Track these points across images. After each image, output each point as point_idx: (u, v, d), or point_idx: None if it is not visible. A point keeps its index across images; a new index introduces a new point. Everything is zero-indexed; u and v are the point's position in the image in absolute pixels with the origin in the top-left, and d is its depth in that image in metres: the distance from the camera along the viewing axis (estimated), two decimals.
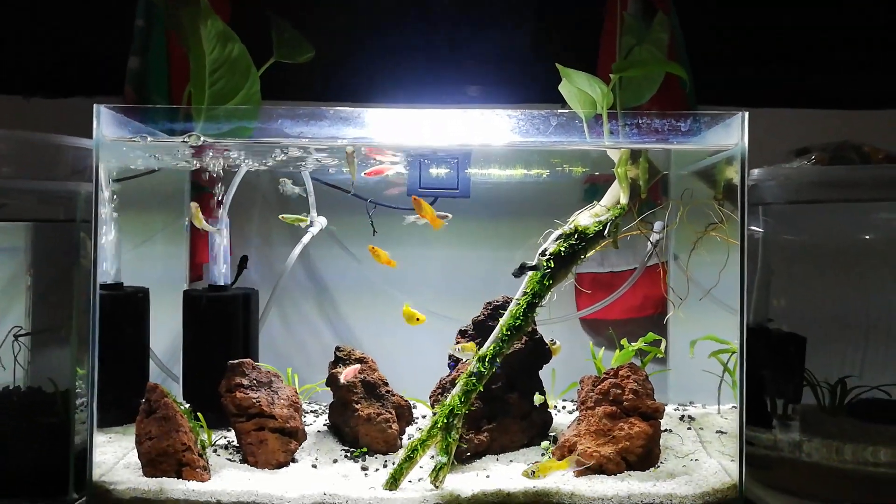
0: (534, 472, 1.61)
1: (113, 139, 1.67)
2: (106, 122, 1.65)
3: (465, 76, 2.51)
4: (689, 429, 1.97)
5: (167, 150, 1.91)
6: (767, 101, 2.43)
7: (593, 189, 2.25)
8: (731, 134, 1.64)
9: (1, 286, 1.95)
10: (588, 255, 1.79)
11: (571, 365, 2.08)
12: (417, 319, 1.81)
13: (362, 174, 1.95)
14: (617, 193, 1.85)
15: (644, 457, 1.68)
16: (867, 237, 1.85)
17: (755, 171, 1.85)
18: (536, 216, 1.88)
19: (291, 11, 2.19)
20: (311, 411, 2.11)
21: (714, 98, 2.34)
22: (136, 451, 1.66)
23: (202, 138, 1.72)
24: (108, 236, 1.96)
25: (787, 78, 2.48)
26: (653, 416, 1.71)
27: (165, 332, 2.15)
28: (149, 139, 1.74)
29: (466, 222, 2.35)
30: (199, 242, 2.27)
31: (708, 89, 2.33)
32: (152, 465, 1.61)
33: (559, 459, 1.71)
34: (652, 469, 1.68)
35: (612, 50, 2.21)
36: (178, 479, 1.60)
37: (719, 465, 1.70)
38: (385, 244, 2.08)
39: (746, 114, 1.61)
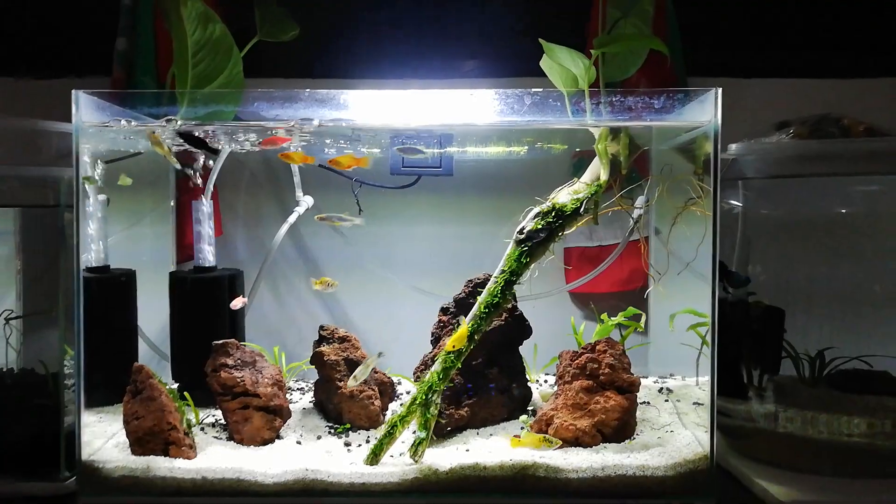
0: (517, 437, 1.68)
1: (92, 124, 1.68)
2: (87, 107, 1.66)
3: (455, 49, 2.50)
4: (666, 401, 2.00)
5: (142, 133, 1.92)
6: (760, 71, 2.41)
7: (581, 163, 2.25)
8: (706, 110, 1.64)
9: None
10: (567, 232, 1.80)
11: (557, 339, 2.10)
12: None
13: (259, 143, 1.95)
14: (597, 170, 1.85)
15: (619, 429, 1.72)
16: (844, 211, 1.86)
17: (734, 146, 1.85)
18: (521, 193, 1.89)
19: None
20: (298, 389, 2.16)
21: (706, 69, 2.32)
22: (124, 430, 1.71)
23: (179, 122, 1.73)
24: (94, 220, 1.99)
25: (780, 47, 2.46)
26: (628, 389, 1.74)
27: (156, 313, 2.18)
28: (133, 123, 1.76)
29: (451, 200, 2.38)
30: (187, 224, 2.29)
31: (700, 60, 2.31)
32: (139, 443, 1.66)
33: (536, 433, 1.75)
34: (627, 441, 1.72)
35: (600, 25, 2.20)
36: (164, 456, 1.64)
37: (693, 436, 1.74)
38: (372, 222, 2.10)
39: (720, 90, 1.61)
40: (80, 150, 1.65)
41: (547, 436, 1.69)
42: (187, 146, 1.87)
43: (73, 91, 1.64)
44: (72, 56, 2.46)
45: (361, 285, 2.40)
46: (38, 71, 2.48)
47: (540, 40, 1.74)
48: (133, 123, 1.74)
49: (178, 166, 1.99)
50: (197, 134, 1.84)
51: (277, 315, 2.43)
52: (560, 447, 1.68)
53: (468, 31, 2.51)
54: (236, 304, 2.00)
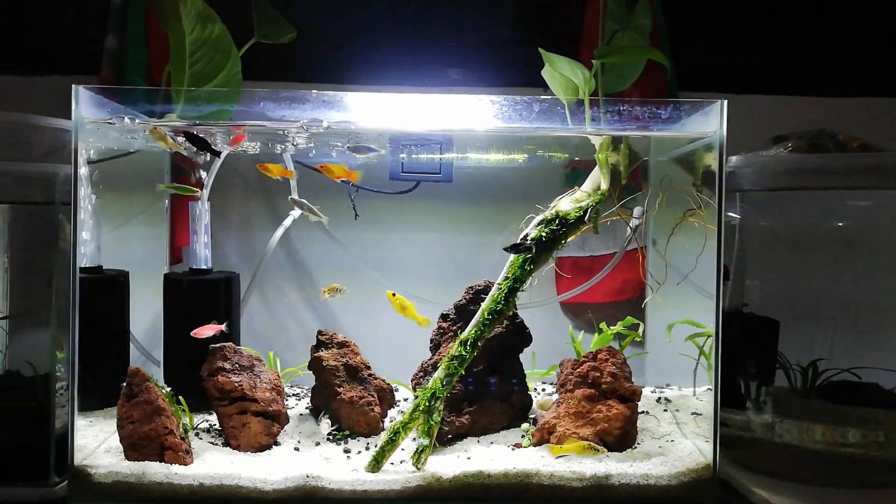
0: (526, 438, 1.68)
1: (91, 121, 1.64)
2: (84, 104, 1.63)
3: (448, 59, 2.51)
4: (665, 411, 2.01)
5: (139, 131, 1.89)
6: (746, 87, 2.46)
7: (574, 174, 2.27)
8: (711, 122, 1.66)
9: None
10: (569, 239, 1.81)
11: (551, 348, 2.11)
12: (404, 308, 1.82)
13: (227, 142, 1.93)
14: (598, 179, 1.86)
15: (621, 438, 1.72)
16: (841, 224, 1.89)
17: (733, 159, 1.88)
18: (518, 200, 1.89)
19: None
20: (294, 395, 2.12)
21: (693, 83, 2.36)
22: (117, 435, 1.66)
23: (185, 123, 1.70)
24: (87, 219, 1.94)
25: (766, 65, 2.51)
26: (630, 398, 1.75)
27: (145, 315, 2.14)
28: (136, 121, 1.72)
29: (449, 206, 2.37)
30: (178, 226, 2.25)
31: (687, 74, 2.35)
32: (134, 448, 1.61)
33: (538, 441, 1.74)
34: (629, 450, 1.72)
35: (595, 34, 2.22)
36: (160, 462, 1.60)
37: (694, 445, 1.74)
38: (368, 228, 2.08)
39: (725, 102, 1.63)
40: (79, 146, 1.60)
41: (591, 443, 1.67)
42: (188, 146, 1.83)
43: (73, 86, 1.60)
44: (57, 54, 2.42)
45: (354, 291, 2.37)
46: (22, 68, 2.43)
47: (540, 50, 1.75)
48: (136, 122, 1.70)
49: (185, 152, 1.94)
50: (199, 134, 1.81)
51: (266, 320, 2.39)
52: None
53: (462, 39, 2.52)
54: (205, 331, 1.83)
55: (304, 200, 2.00)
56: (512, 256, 1.76)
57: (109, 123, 1.69)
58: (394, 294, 1.85)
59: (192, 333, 1.82)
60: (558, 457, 1.66)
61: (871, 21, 2.50)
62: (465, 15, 2.52)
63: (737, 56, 2.51)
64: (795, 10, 2.49)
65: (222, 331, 1.86)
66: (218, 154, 1.86)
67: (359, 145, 1.90)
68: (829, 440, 1.76)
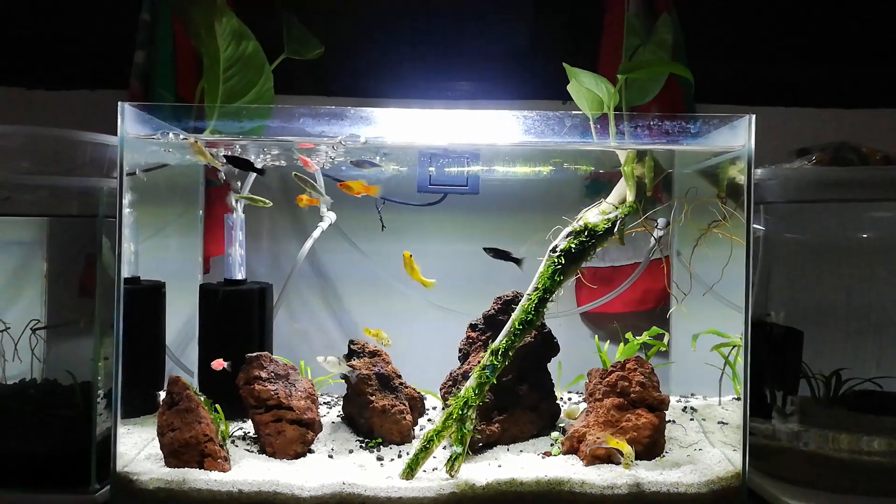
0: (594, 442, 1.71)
1: (136, 136, 1.69)
2: (128, 120, 1.67)
3: (465, 72, 2.55)
4: (691, 420, 2.04)
5: (181, 146, 1.94)
6: (764, 99, 2.49)
7: (594, 185, 2.30)
8: (738, 136, 1.70)
9: (20, 279, 1.97)
10: (596, 251, 1.84)
11: (572, 357, 2.13)
12: (413, 270, 1.87)
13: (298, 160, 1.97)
14: (623, 191, 1.90)
15: (650, 446, 1.75)
16: (864, 236, 1.92)
17: (757, 171, 1.91)
18: (542, 211, 1.93)
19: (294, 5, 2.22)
20: (324, 403, 2.16)
21: (711, 95, 2.39)
22: (156, 441, 1.71)
23: (237, 144, 1.75)
24: (125, 231, 1.99)
25: (785, 76, 2.54)
26: (658, 407, 1.77)
27: (175, 324, 2.18)
28: (180, 137, 1.77)
29: (472, 217, 2.41)
30: (208, 237, 2.29)
31: (705, 86, 2.38)
32: (175, 455, 1.65)
33: (568, 450, 1.77)
34: (658, 458, 1.75)
35: (613, 47, 2.26)
36: (200, 469, 1.64)
37: (722, 454, 1.77)
38: (393, 240, 2.12)
39: (753, 117, 1.67)
40: (123, 161, 1.65)
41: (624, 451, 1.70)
42: (229, 166, 1.89)
43: (119, 103, 1.65)
44: (84, 68, 2.48)
45: (380, 302, 2.41)
46: (51, 82, 2.48)
47: (565, 65, 1.80)
48: (181, 137, 1.75)
49: (222, 171, 1.99)
50: (240, 155, 1.86)
51: (292, 329, 2.43)
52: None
53: (480, 53, 2.57)
54: (216, 365, 1.88)
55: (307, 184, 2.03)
56: (541, 267, 1.79)
57: (153, 139, 1.74)
58: (410, 255, 1.89)
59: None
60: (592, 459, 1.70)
61: (889, 34, 2.54)
62: (486, 29, 2.56)
63: (754, 68, 2.54)
64: (809, 22, 2.53)
65: (224, 368, 1.88)
66: (262, 172, 1.91)
67: (361, 160, 1.95)
68: (854, 449, 1.78)
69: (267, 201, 2.03)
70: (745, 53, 2.55)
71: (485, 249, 1.86)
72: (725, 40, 2.54)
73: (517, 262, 1.82)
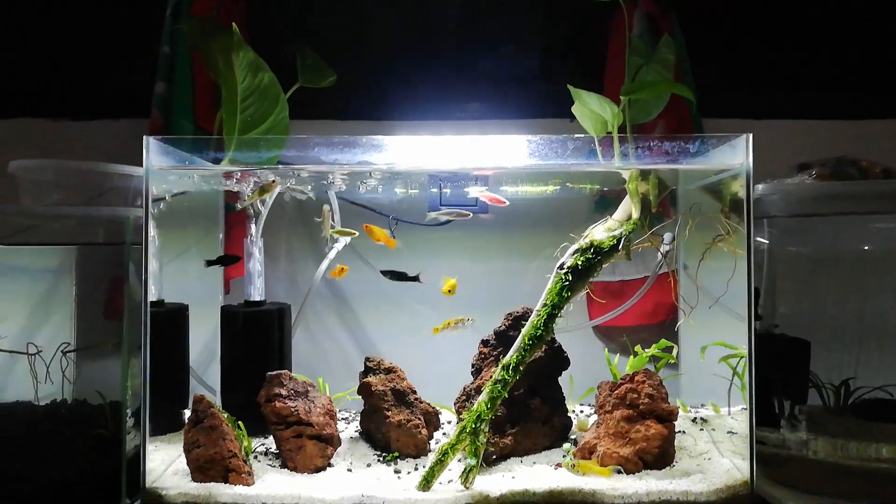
0: (573, 466, 1.75)
1: (161, 167, 1.78)
2: (153, 152, 1.76)
3: (473, 92, 2.63)
4: (701, 430, 2.08)
5: (203, 175, 2.03)
6: (769, 113, 2.54)
7: (603, 201, 2.36)
8: (737, 154, 1.75)
9: (50, 305, 2.06)
10: (602, 267, 1.90)
11: (585, 370, 2.18)
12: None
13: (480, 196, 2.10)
14: (629, 208, 1.95)
15: (660, 457, 1.79)
16: (866, 247, 1.96)
17: (760, 186, 1.96)
18: (550, 228, 1.99)
19: (304, 30, 2.30)
20: (343, 418, 2.22)
21: (716, 110, 2.44)
22: (183, 458, 1.78)
23: (271, 177, 1.85)
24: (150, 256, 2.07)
25: (787, 90, 2.60)
26: (667, 418, 1.82)
27: (198, 345, 2.26)
28: (202, 168, 1.86)
29: (483, 236, 2.47)
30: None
31: (710, 101, 2.44)
32: (201, 471, 1.72)
33: (580, 460, 1.81)
34: (668, 468, 1.79)
35: (618, 68, 2.32)
36: (225, 483, 1.71)
37: (731, 463, 1.81)
38: (406, 258, 2.19)
39: (750, 136, 1.72)
40: (149, 191, 1.74)
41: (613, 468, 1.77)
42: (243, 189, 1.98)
43: (144, 137, 1.74)
44: (108, 99, 2.59)
45: (393, 319, 2.48)
46: (76, 113, 2.59)
47: (569, 87, 1.86)
48: (205, 169, 1.84)
49: (263, 211, 2.11)
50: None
51: (308, 348, 2.50)
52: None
53: (488, 74, 2.65)
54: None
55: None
56: (549, 284, 1.85)
57: (180, 169, 1.82)
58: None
59: None
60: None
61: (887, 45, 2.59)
62: (494, 51, 2.64)
63: (758, 81, 2.60)
64: (816, 36, 2.58)
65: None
66: (417, 279, 2.06)
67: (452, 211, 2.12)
68: (864, 456, 1.81)
69: (354, 232, 2.16)
70: (747, 66, 2.61)
71: (382, 272, 2.01)
72: (730, 54, 2.60)
73: (415, 279, 1.97)
